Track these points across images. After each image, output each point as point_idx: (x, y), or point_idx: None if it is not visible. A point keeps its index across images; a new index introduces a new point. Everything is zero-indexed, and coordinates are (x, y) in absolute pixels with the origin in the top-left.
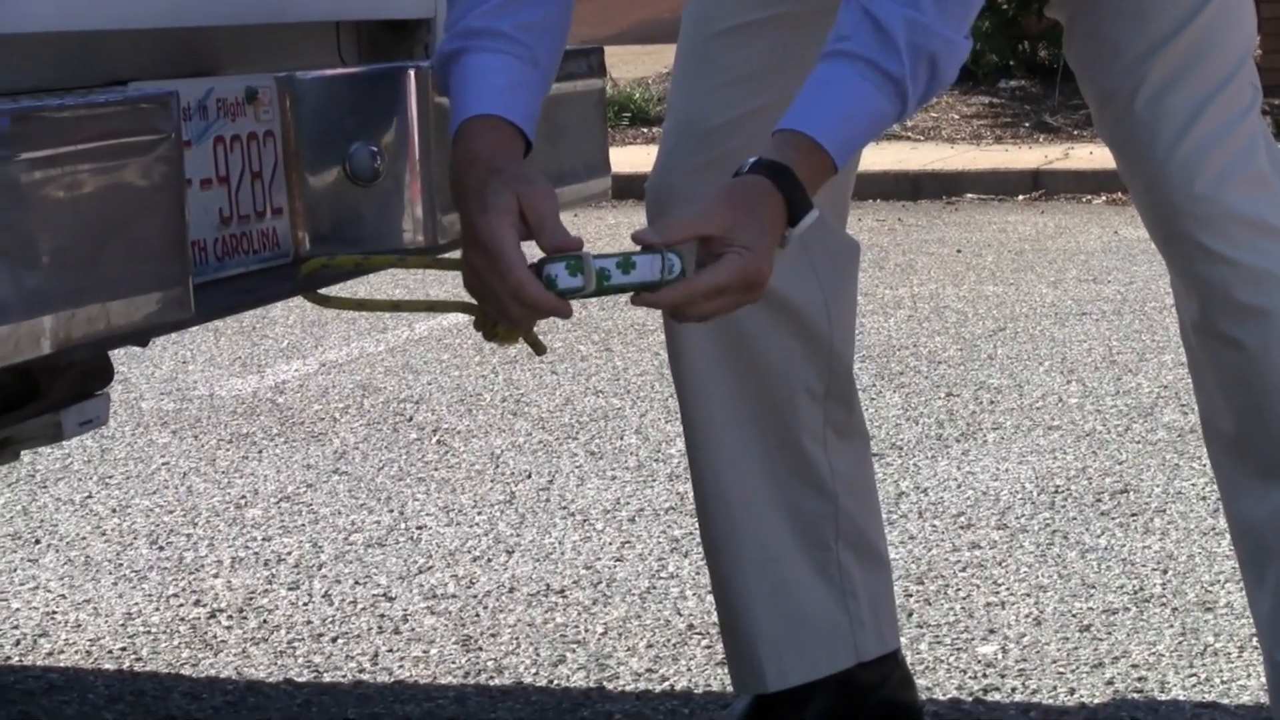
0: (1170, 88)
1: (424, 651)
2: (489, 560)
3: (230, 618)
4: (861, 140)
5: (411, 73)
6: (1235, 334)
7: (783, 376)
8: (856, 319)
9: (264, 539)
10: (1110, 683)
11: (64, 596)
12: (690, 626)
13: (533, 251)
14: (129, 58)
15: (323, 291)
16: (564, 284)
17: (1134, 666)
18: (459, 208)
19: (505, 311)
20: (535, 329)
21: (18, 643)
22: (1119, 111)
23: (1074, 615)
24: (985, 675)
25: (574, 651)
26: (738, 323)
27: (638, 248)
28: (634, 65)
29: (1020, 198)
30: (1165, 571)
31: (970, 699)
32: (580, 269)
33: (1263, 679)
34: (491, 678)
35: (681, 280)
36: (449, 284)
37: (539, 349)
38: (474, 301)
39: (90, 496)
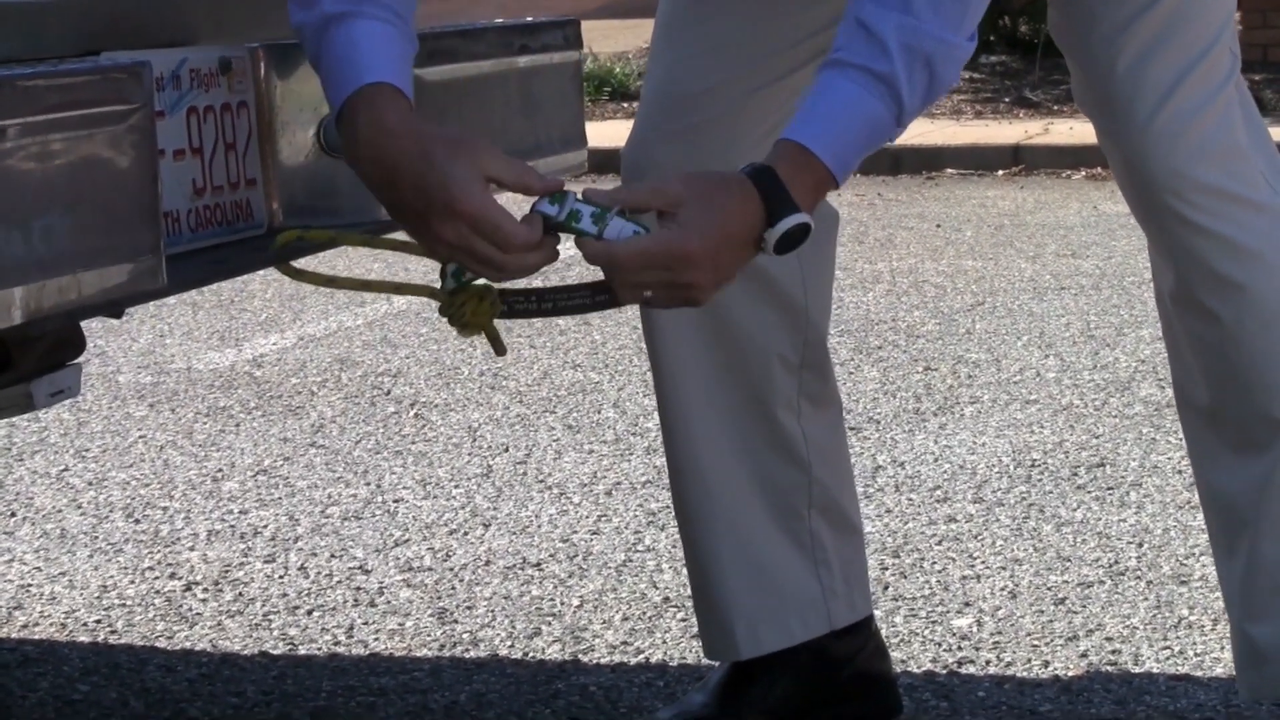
0: (1148, 58)
1: (399, 624)
2: (465, 533)
3: (206, 590)
4: (858, 145)
5: None
6: (1212, 306)
7: (757, 345)
8: (834, 292)
9: (240, 512)
10: (1084, 655)
11: (39, 569)
12: (666, 599)
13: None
14: (102, 28)
15: (296, 265)
16: (542, 208)
17: (1108, 639)
18: (392, 182)
19: (496, 264)
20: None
21: None
22: (1097, 82)
23: (1049, 588)
24: (960, 648)
25: (549, 624)
26: None
27: (615, 208)
28: (615, 39)
29: (1000, 173)
30: (1140, 545)
31: (945, 671)
32: (561, 200)
33: None
34: (467, 650)
35: (605, 241)
36: (421, 264)
37: (499, 348)
38: (438, 286)
39: (66, 470)
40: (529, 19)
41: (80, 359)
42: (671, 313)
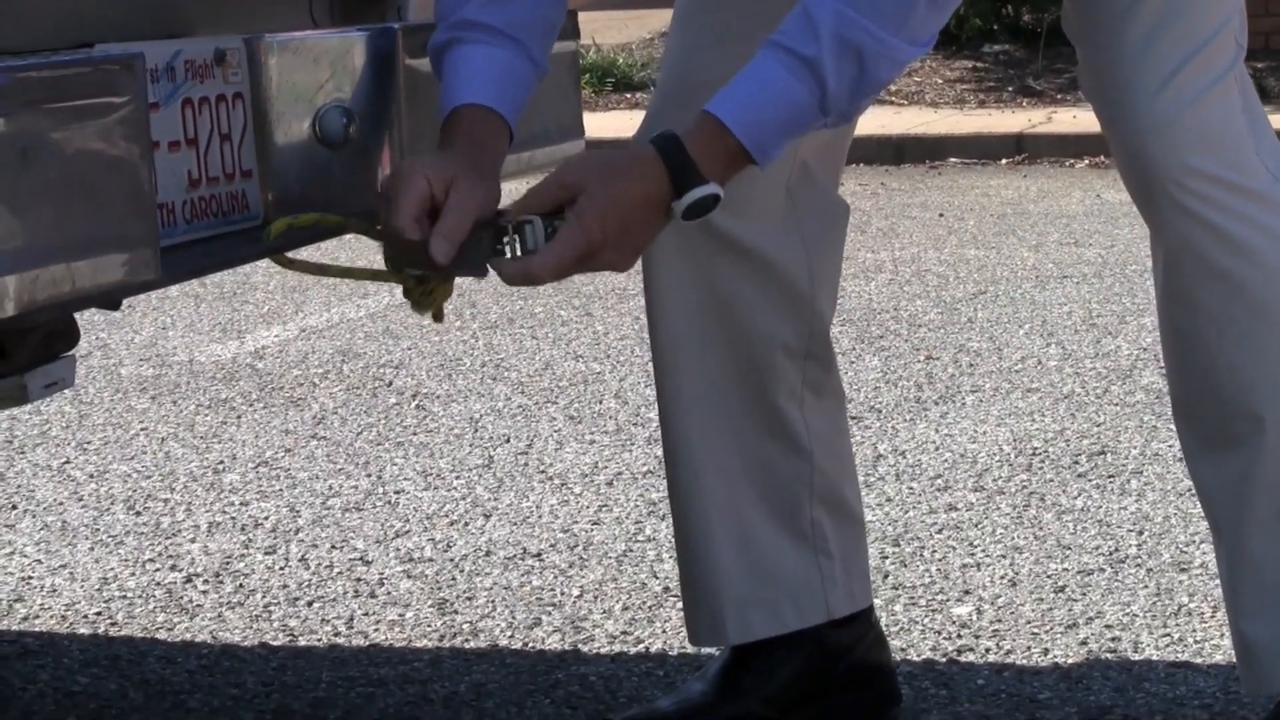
0: (1151, 42)
1: (400, 615)
2: (466, 524)
3: (206, 582)
4: (776, 124)
5: (383, 35)
6: (1200, 297)
7: (762, 334)
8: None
9: (241, 504)
10: (1084, 643)
11: (40, 562)
12: (666, 589)
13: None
14: (96, 19)
15: (289, 255)
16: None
17: (1108, 627)
18: None
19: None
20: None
21: None
22: (1102, 67)
23: (1049, 576)
24: (960, 636)
25: (550, 614)
26: (717, 279)
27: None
28: (618, 30)
29: (1003, 161)
30: (1141, 532)
31: (944, 660)
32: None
33: None
34: (467, 640)
35: (521, 258)
36: None
37: (440, 318)
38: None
39: (68, 462)
40: None
41: (74, 350)
42: (676, 300)
